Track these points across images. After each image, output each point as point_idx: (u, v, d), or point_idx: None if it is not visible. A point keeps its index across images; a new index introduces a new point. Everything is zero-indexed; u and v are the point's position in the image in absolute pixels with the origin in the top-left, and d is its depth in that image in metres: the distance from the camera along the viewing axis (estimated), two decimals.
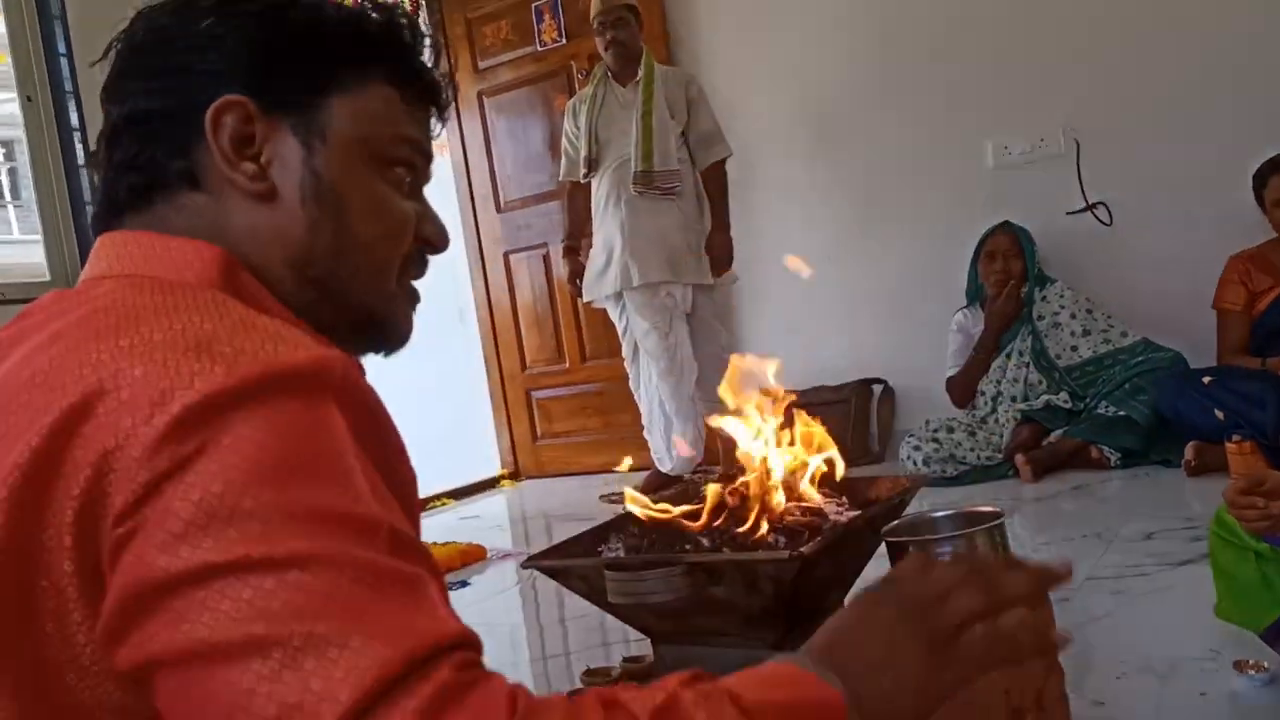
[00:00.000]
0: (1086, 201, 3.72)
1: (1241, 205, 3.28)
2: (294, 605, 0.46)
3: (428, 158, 0.75)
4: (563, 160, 3.91)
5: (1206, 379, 3.10)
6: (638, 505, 1.42)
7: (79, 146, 3.17)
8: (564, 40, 4.58)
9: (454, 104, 0.81)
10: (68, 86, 3.16)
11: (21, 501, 0.50)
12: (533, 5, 4.63)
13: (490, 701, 0.46)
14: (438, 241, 0.76)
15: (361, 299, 0.71)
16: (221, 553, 0.46)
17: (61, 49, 3.14)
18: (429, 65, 0.75)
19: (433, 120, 0.77)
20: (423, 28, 0.78)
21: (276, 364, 0.51)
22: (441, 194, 4.60)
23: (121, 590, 0.48)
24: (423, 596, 0.50)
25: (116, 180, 0.68)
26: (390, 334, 0.74)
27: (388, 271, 0.72)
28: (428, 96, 0.75)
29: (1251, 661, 1.51)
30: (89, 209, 3.17)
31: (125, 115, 0.68)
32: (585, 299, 3.88)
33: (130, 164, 0.67)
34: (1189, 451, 3.01)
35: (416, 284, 0.77)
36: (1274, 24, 3.37)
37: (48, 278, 3.15)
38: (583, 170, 3.75)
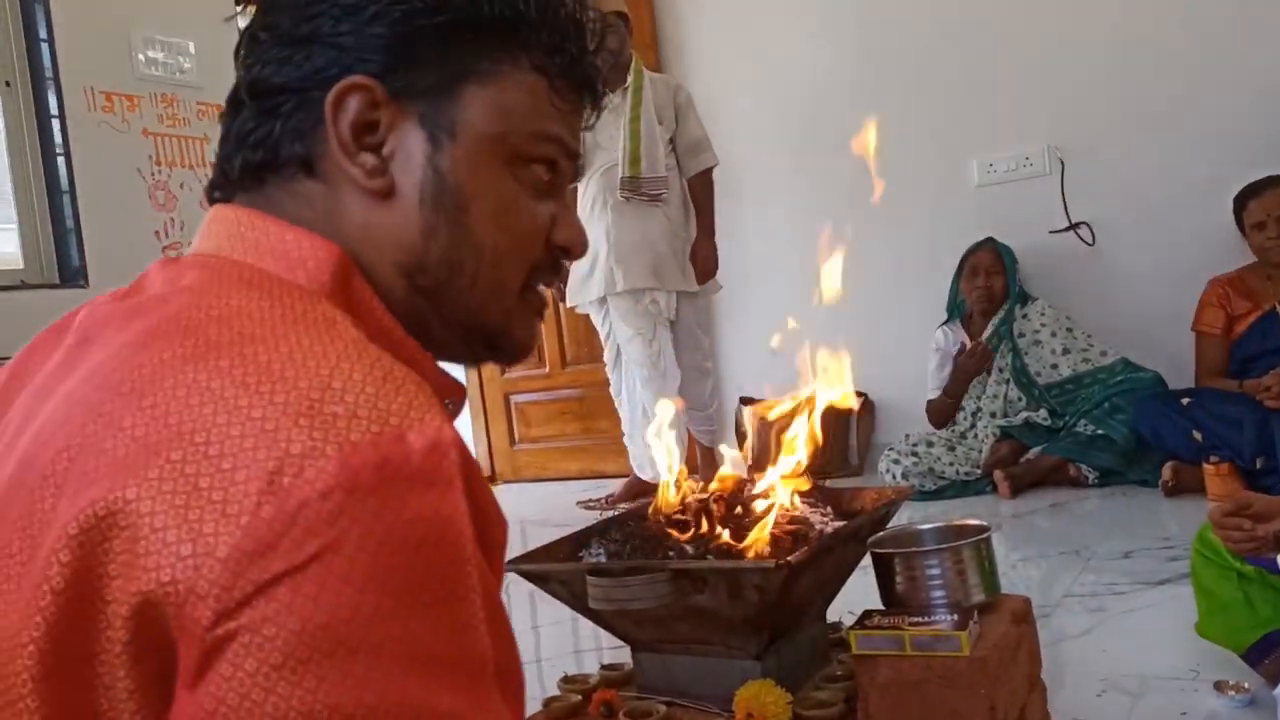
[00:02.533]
0: (1069, 221, 3.74)
1: (1223, 228, 3.30)
2: None
3: (573, 155, 0.67)
4: None
5: (1185, 400, 3.12)
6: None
7: (57, 133, 3.12)
8: None
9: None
10: (47, 73, 3.11)
11: (87, 549, 0.44)
12: None
13: None
14: (573, 249, 0.68)
15: (476, 311, 0.64)
16: (322, 699, 0.41)
17: (42, 34, 3.10)
18: (588, 52, 0.66)
19: (587, 113, 0.68)
20: (585, 2, 0.67)
21: (396, 449, 0.45)
22: None
23: (209, 709, 0.42)
24: None
25: (232, 153, 0.62)
26: (505, 346, 0.67)
27: (510, 283, 0.64)
28: (582, 88, 0.66)
29: (1232, 683, 1.51)
30: (65, 197, 3.12)
31: (249, 83, 0.62)
32: (569, 304, 3.86)
33: (246, 139, 0.61)
34: (1166, 472, 3.02)
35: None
36: (1258, 49, 3.41)
37: (21, 266, 3.09)
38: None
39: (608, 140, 3.63)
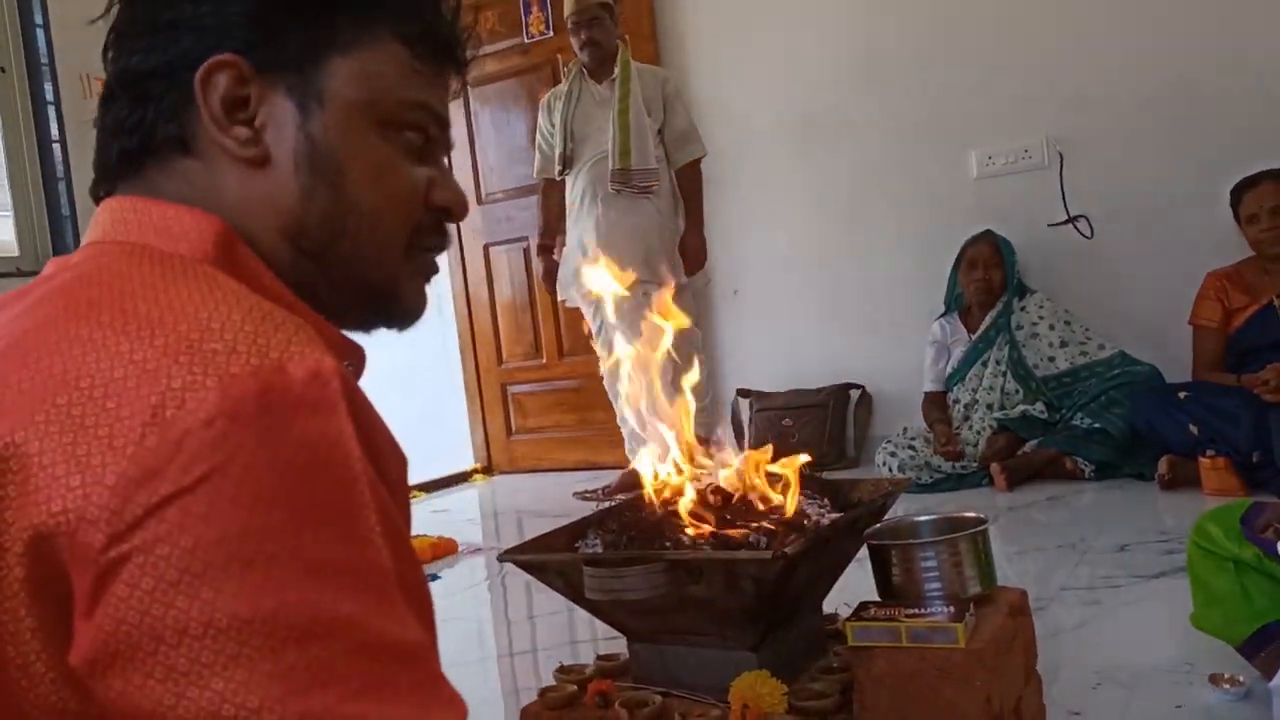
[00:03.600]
0: (1068, 214, 3.73)
1: (1221, 222, 3.30)
2: (295, 685, 0.43)
3: (442, 122, 0.69)
4: (536, 157, 3.89)
5: (1182, 394, 3.12)
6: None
7: (53, 121, 3.11)
8: (551, 33, 4.55)
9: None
10: (43, 59, 3.10)
11: None
12: None
13: None
14: (454, 208, 0.70)
15: (362, 272, 0.65)
16: (221, 609, 0.43)
17: (38, 20, 3.08)
18: (444, 20, 0.68)
19: (452, 80, 0.70)
20: None
21: (276, 378, 0.47)
22: None
23: (109, 630, 0.44)
24: (429, 680, 0.48)
25: (108, 144, 0.64)
26: (395, 309, 0.69)
27: (392, 243, 0.66)
28: (443, 56, 0.68)
29: (1227, 676, 1.51)
30: (60, 185, 3.11)
31: (118, 75, 0.64)
32: (560, 298, 3.85)
33: (121, 127, 0.63)
34: (1163, 465, 3.02)
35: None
36: (1257, 42, 3.40)
37: (16, 253, 3.08)
38: (558, 167, 3.73)
39: (596, 132, 3.62)
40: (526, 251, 4.72)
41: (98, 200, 0.65)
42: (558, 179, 3.77)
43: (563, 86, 3.78)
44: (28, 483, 0.45)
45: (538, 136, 3.87)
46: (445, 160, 0.71)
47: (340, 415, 0.48)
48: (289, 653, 0.43)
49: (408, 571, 0.50)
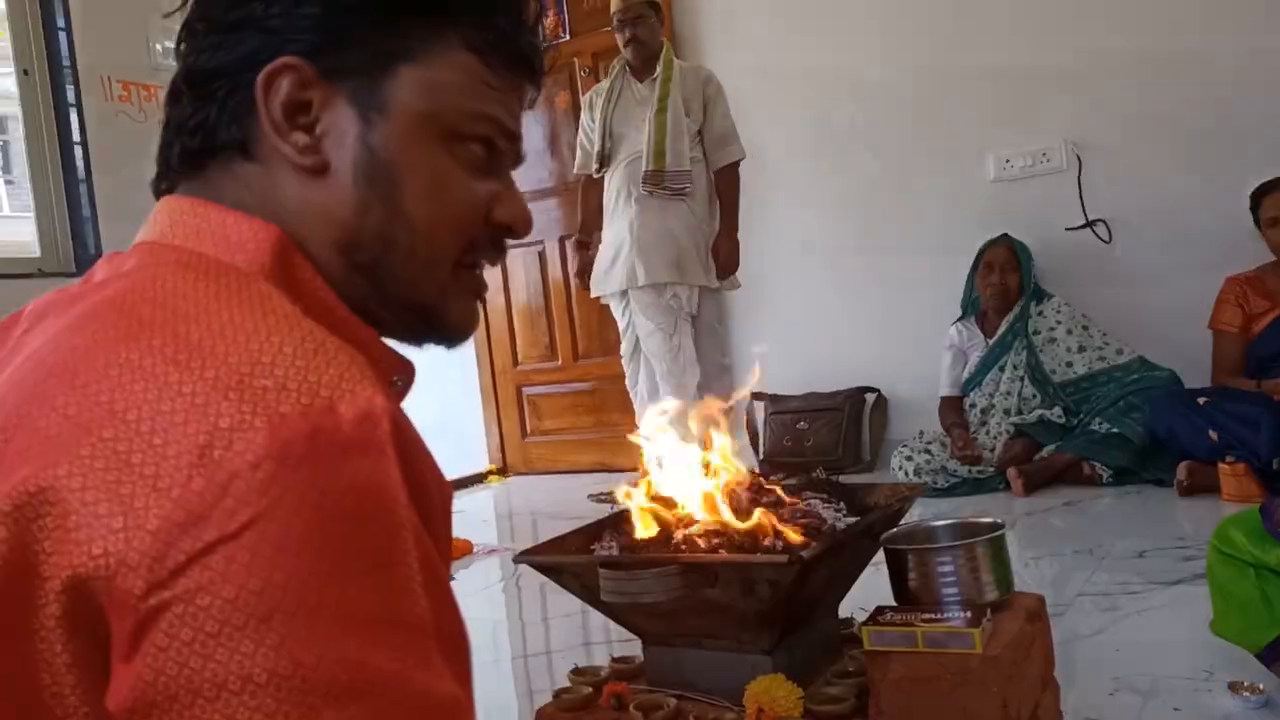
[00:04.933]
0: (1086, 218, 3.71)
1: (1241, 226, 3.28)
2: None
3: (511, 135, 0.66)
4: (577, 153, 3.88)
5: (1201, 399, 3.10)
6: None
7: (74, 123, 3.14)
8: (567, 36, 4.56)
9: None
10: (65, 62, 3.12)
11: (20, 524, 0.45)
12: None
13: None
14: (516, 225, 0.67)
15: (411, 289, 0.63)
16: (260, 664, 0.42)
17: (60, 23, 3.11)
18: (523, 29, 0.66)
19: (526, 93, 0.68)
20: None
21: (326, 420, 0.45)
22: None
23: (148, 680, 0.43)
24: None
25: (170, 143, 0.63)
26: (443, 326, 0.67)
27: (442, 260, 0.64)
28: (518, 67, 0.66)
29: (1246, 684, 1.50)
30: (82, 186, 3.13)
31: (185, 73, 0.63)
32: (593, 294, 3.84)
33: (185, 126, 0.62)
34: (1181, 471, 3.00)
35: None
36: (1276, 45, 3.37)
37: (38, 254, 3.11)
38: (595, 165, 3.72)
39: (634, 131, 3.60)
40: (542, 255, 4.73)
41: (158, 195, 0.65)
42: (596, 176, 3.76)
43: (605, 84, 3.76)
44: (68, 519, 0.44)
45: (579, 133, 3.86)
46: (511, 175, 0.69)
47: (388, 460, 0.47)
48: (327, 714, 0.43)
49: (446, 622, 0.49)
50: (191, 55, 0.62)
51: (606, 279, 3.67)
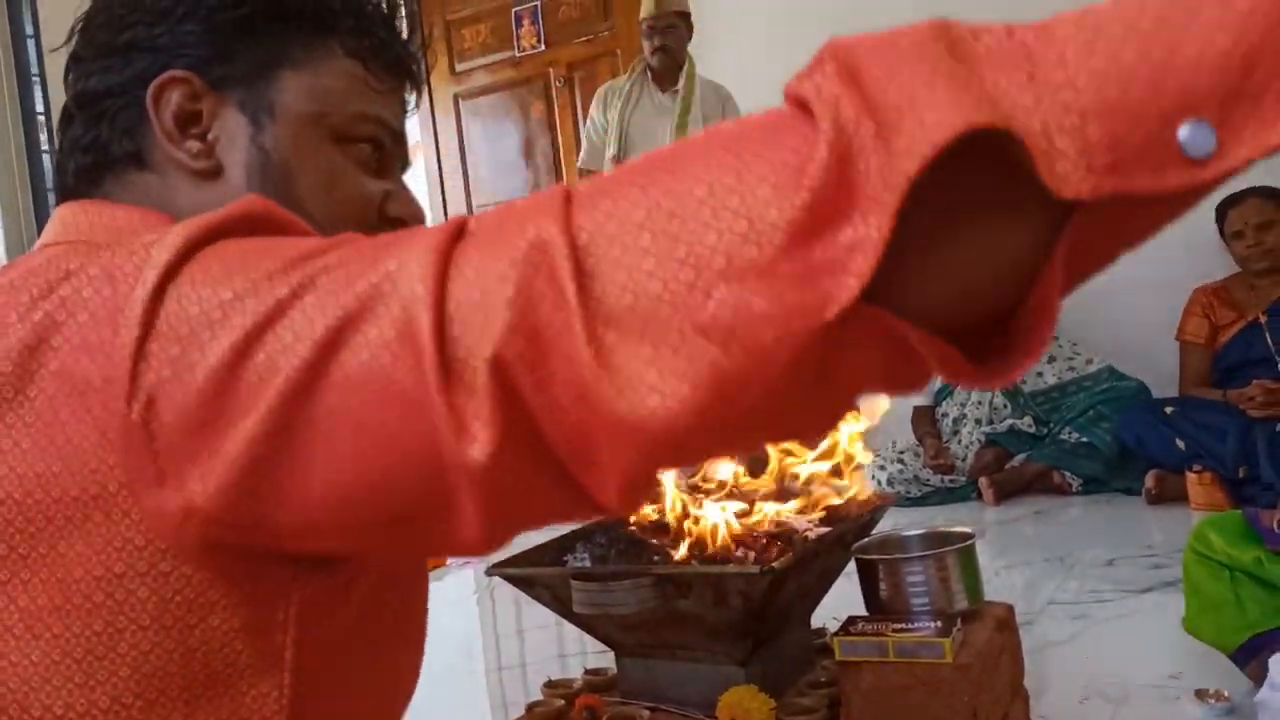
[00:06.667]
0: None
1: (1209, 238, 3.32)
2: (329, 286, 0.42)
3: (396, 136, 0.69)
4: (584, 146, 3.84)
5: (1169, 409, 3.14)
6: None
7: (43, 131, 3.11)
8: (543, 47, 4.56)
9: (428, 95, 0.73)
10: (33, 70, 3.10)
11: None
12: (513, 10, 4.61)
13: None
14: (410, 221, 0.69)
15: None
16: (236, 330, 0.42)
17: (28, 30, 3.08)
18: (397, 36, 0.69)
19: (408, 95, 0.71)
20: None
21: (216, 216, 0.48)
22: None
23: (177, 409, 0.42)
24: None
25: (66, 162, 0.65)
26: None
27: None
28: (397, 70, 0.69)
29: (1212, 691, 1.52)
30: (51, 194, 3.10)
31: (75, 97, 0.65)
32: None
33: (77, 145, 0.64)
34: (1150, 480, 3.04)
35: None
36: None
37: (4, 259, 3.07)
38: (607, 167, 3.71)
39: (651, 141, 3.60)
40: None
41: None
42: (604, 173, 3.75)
43: (622, 83, 3.73)
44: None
45: (588, 126, 3.82)
46: (401, 175, 0.72)
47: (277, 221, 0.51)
48: (280, 287, 0.43)
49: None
50: (80, 81, 0.64)
51: None
